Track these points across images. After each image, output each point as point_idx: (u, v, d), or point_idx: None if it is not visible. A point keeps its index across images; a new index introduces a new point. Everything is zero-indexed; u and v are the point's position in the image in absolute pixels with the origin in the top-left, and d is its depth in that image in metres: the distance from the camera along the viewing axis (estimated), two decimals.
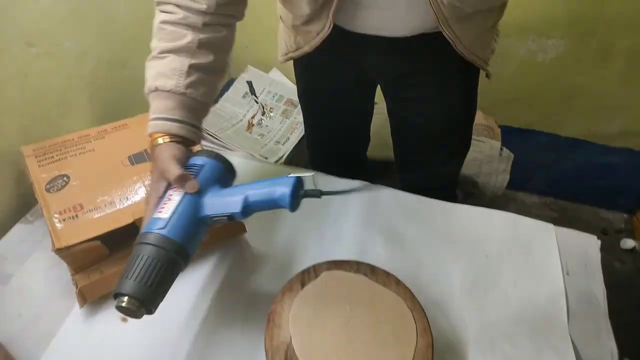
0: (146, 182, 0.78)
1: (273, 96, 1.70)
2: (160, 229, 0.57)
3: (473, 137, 1.46)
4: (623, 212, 1.97)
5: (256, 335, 0.68)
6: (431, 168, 1.01)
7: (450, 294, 0.77)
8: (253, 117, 1.64)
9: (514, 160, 1.56)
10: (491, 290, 0.78)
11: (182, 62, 0.66)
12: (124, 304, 0.54)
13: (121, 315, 0.70)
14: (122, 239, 0.74)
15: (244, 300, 0.75)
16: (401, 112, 0.98)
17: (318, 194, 0.62)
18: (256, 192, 0.61)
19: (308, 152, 1.27)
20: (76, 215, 0.72)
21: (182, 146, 0.66)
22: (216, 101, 1.66)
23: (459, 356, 0.70)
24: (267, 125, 1.63)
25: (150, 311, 0.56)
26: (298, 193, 0.61)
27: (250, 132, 1.60)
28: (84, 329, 0.70)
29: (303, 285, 0.71)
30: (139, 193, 0.76)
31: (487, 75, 0.89)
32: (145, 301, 0.54)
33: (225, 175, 0.68)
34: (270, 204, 0.62)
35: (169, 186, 0.63)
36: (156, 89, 0.66)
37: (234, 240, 0.83)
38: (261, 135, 1.60)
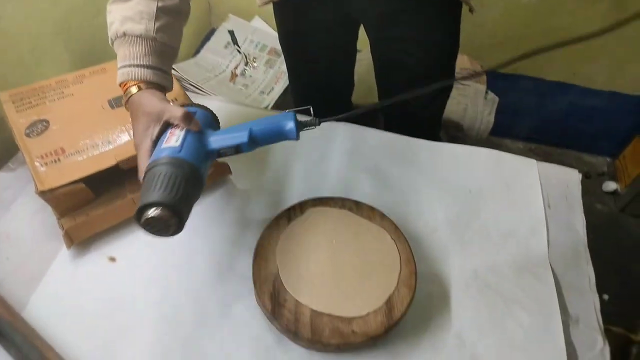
0: (127, 126, 0.77)
1: (256, 45, 1.67)
2: (174, 153, 0.57)
3: (459, 81, 1.46)
4: (606, 156, 2.00)
5: (244, 268, 0.69)
6: (415, 108, 1.01)
7: (433, 227, 0.79)
8: (236, 68, 1.61)
9: (499, 106, 1.57)
10: (474, 222, 0.80)
11: (148, 5, 0.63)
12: (153, 214, 0.51)
13: (110, 254, 0.72)
14: (106, 183, 0.74)
15: (232, 237, 0.76)
16: (385, 51, 0.97)
17: (317, 122, 0.63)
18: (261, 126, 0.62)
19: (292, 99, 1.26)
20: (58, 159, 0.72)
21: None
22: (197, 52, 1.63)
23: (442, 284, 0.72)
24: (250, 76, 1.61)
25: (182, 222, 0.54)
26: (299, 124, 0.62)
27: (233, 83, 1.58)
28: (72, 270, 0.70)
29: (289, 221, 0.72)
30: (121, 136, 0.76)
31: (471, 10, 0.87)
32: (176, 209, 0.52)
33: (214, 123, 0.69)
34: (276, 136, 0.63)
35: (163, 129, 0.61)
36: (124, 34, 0.62)
37: (220, 181, 0.83)
38: (245, 85, 1.58)
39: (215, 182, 0.83)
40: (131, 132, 0.75)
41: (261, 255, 0.68)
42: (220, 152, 0.62)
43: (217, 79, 1.55)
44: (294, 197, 0.80)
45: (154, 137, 0.61)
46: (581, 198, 0.86)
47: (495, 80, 1.64)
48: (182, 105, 0.67)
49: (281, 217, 0.73)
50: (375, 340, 0.62)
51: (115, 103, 0.81)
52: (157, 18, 0.63)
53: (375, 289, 0.65)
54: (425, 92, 0.62)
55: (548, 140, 2.00)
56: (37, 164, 0.71)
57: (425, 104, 1.01)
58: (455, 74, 1.47)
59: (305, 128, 0.63)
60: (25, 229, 0.75)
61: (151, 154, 0.59)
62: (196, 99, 0.85)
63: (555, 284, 0.72)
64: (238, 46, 1.66)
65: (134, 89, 0.62)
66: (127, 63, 0.63)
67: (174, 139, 0.59)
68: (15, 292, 0.68)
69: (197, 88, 1.41)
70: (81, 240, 0.72)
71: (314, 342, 0.60)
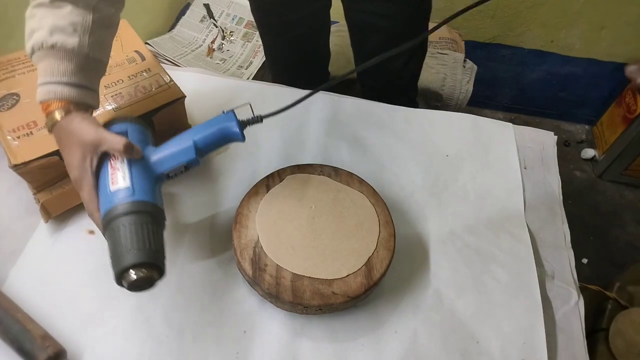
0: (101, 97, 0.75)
1: (233, 19, 1.64)
2: (128, 196, 0.53)
3: (437, 50, 1.46)
4: (585, 124, 2.02)
5: (224, 236, 0.70)
6: (391, 71, 1.01)
7: (411, 191, 0.80)
8: (213, 42, 1.59)
9: (478, 75, 1.57)
10: (451, 185, 0.81)
11: (83, 16, 0.55)
12: (135, 276, 0.49)
13: (89, 227, 0.72)
14: None
15: (211, 205, 0.76)
16: (359, 14, 0.96)
17: (260, 119, 0.63)
18: (204, 135, 0.60)
19: (270, 72, 1.25)
20: (31, 132, 0.70)
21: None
22: (173, 26, 1.60)
23: (421, 245, 0.73)
24: (228, 50, 1.59)
25: (163, 272, 0.52)
26: (242, 123, 0.61)
27: (210, 58, 1.55)
28: (51, 244, 0.70)
29: (268, 188, 0.72)
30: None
31: None
32: (155, 263, 0.50)
33: (149, 134, 0.65)
34: (222, 141, 0.62)
35: (102, 160, 0.57)
36: (52, 47, 0.54)
37: None
38: (223, 60, 1.56)
39: None
40: (106, 104, 0.75)
41: (241, 222, 0.68)
42: (169, 175, 0.60)
43: (193, 54, 1.52)
44: (272, 165, 0.80)
45: (93, 170, 0.56)
46: (557, 159, 0.87)
47: (475, 51, 1.64)
48: (106, 124, 0.61)
49: (260, 184, 0.73)
50: (355, 301, 0.63)
51: None
52: (92, 32, 0.56)
53: (354, 251, 0.65)
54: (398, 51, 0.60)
55: (527, 110, 2.02)
56: (9, 137, 0.69)
57: (399, 68, 1.01)
58: (434, 43, 1.47)
59: (249, 126, 0.62)
60: (1, 205, 0.74)
61: (97, 188, 0.56)
62: (172, 71, 0.84)
63: (531, 242, 0.74)
64: (214, 20, 1.63)
65: (58, 114, 0.55)
66: (53, 80, 0.55)
67: (120, 176, 0.55)
68: None
69: (173, 63, 1.39)
70: (58, 214, 0.72)
71: (295, 305, 0.61)
